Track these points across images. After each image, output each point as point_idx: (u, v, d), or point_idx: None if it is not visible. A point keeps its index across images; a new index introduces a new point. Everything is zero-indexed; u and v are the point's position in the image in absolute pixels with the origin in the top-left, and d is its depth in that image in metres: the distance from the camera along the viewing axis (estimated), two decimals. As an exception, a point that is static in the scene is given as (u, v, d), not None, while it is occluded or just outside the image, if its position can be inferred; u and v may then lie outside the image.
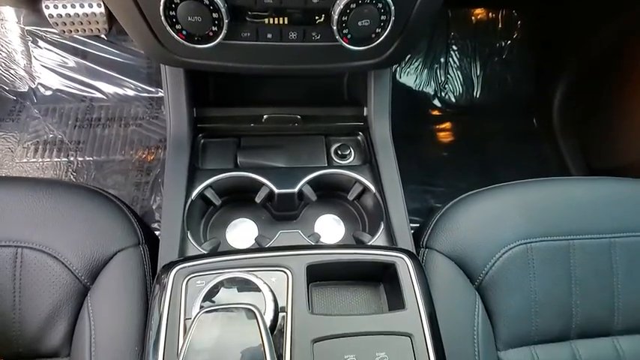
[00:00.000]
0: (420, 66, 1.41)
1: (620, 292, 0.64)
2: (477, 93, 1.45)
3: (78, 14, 1.15)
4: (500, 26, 1.43)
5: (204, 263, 0.51)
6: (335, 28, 0.53)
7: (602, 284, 0.64)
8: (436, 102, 1.43)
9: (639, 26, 1.10)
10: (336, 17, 0.51)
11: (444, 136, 1.40)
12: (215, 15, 0.50)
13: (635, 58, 1.11)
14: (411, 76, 1.41)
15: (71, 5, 1.13)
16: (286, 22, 0.53)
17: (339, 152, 0.72)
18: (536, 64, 1.44)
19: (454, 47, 1.42)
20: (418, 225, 0.73)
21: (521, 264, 0.63)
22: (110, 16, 1.19)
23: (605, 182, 0.74)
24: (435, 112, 1.42)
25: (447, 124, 1.41)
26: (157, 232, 0.67)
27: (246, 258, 0.52)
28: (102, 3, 1.15)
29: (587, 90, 1.28)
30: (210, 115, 0.74)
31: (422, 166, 1.29)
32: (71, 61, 1.34)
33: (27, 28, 1.31)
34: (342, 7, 0.50)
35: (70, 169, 1.27)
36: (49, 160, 1.29)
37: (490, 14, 1.43)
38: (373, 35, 0.55)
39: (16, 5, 1.28)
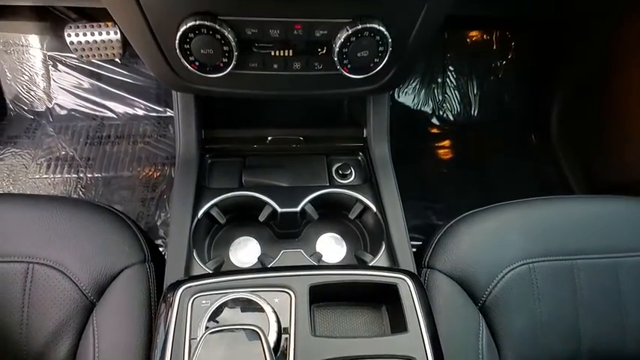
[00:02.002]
0: (417, 86, 1.46)
1: (630, 312, 0.63)
2: (474, 111, 1.49)
3: (96, 41, 1.22)
4: (495, 47, 1.49)
5: (210, 283, 0.53)
6: (336, 58, 0.57)
7: (610, 304, 0.63)
8: (434, 120, 1.47)
9: (635, 40, 1.11)
10: (337, 49, 0.56)
11: (444, 154, 1.44)
12: (226, 48, 0.54)
13: (631, 73, 1.12)
14: (409, 96, 1.46)
15: (90, 33, 1.21)
16: (291, 53, 0.58)
17: (340, 172, 0.76)
18: (531, 81, 1.48)
19: (451, 67, 1.47)
20: (419, 243, 0.74)
21: (524, 284, 0.62)
22: (125, 42, 1.26)
23: (607, 201, 0.73)
24: (434, 130, 1.46)
25: (446, 142, 1.45)
26: (161, 249, 0.70)
27: (250, 278, 0.54)
28: (118, 30, 1.22)
29: (585, 106, 1.30)
30: (218, 136, 0.78)
31: (422, 183, 1.33)
32: (86, 82, 1.41)
33: (49, 53, 1.39)
34: (342, 40, 0.55)
35: (79, 185, 1.32)
36: (59, 176, 1.34)
37: (485, 36, 1.48)
38: (371, 64, 0.59)
39: (42, 33, 1.36)
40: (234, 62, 0.56)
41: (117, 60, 1.40)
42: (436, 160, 1.42)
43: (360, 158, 0.79)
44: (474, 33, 1.47)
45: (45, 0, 0.89)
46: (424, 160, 1.40)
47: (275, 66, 0.59)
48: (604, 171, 1.24)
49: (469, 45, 1.48)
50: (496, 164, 1.42)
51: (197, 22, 0.52)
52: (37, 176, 1.33)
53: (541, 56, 1.44)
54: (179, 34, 0.53)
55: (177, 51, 0.55)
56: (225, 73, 0.57)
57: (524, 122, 1.48)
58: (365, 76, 0.60)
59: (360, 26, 0.54)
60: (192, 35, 0.53)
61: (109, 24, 1.23)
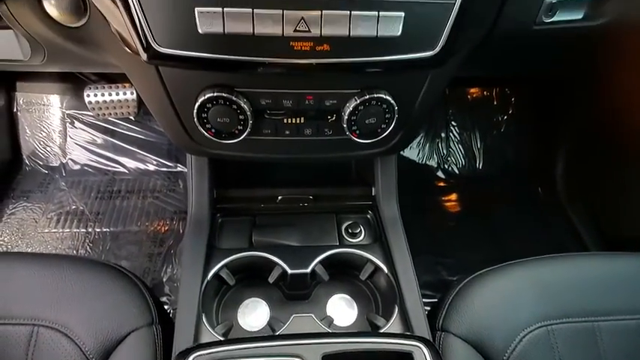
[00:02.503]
0: (422, 140, 1.49)
1: (661, 378, 0.59)
2: (479, 164, 1.52)
3: (113, 100, 1.28)
4: (495, 103, 1.54)
5: (220, 351, 0.52)
6: (345, 125, 0.60)
7: (638, 370, 0.60)
8: (440, 174, 1.49)
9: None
10: (346, 117, 0.59)
11: (451, 207, 1.44)
12: (241, 117, 0.57)
13: (634, 123, 1.12)
14: (414, 150, 1.49)
15: (108, 93, 1.27)
16: (302, 120, 0.61)
17: (350, 230, 0.76)
18: (533, 136, 1.51)
19: (453, 123, 1.52)
20: (432, 301, 0.72)
21: (544, 348, 0.60)
22: (140, 101, 1.33)
23: (626, 258, 0.71)
24: (440, 184, 1.48)
25: (453, 196, 1.46)
26: (166, 306, 0.68)
27: (261, 347, 0.53)
28: (134, 91, 1.29)
29: (590, 157, 1.31)
30: (229, 195, 0.79)
31: (431, 238, 1.31)
32: (100, 138, 1.46)
33: (67, 111, 1.46)
34: (351, 109, 0.58)
35: (87, 240, 1.32)
36: (68, 230, 1.34)
37: (485, 92, 1.54)
38: (379, 130, 0.61)
39: (63, 93, 1.44)
40: (248, 129, 0.58)
41: (131, 117, 1.46)
42: (444, 213, 1.42)
43: (369, 217, 0.80)
44: (474, 90, 1.53)
45: (71, 67, 0.95)
46: (432, 213, 1.40)
47: (287, 132, 0.62)
48: (616, 225, 1.23)
49: (470, 101, 1.53)
50: (504, 217, 1.41)
51: (215, 94, 0.55)
52: (47, 230, 1.34)
53: (541, 111, 1.48)
54: (197, 104, 0.56)
55: (195, 120, 0.57)
56: (239, 139, 0.59)
57: (530, 175, 1.49)
58: (373, 140, 0.62)
59: (367, 96, 0.57)
60: (209, 105, 0.56)
61: (127, 85, 1.30)
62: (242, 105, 0.56)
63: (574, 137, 1.37)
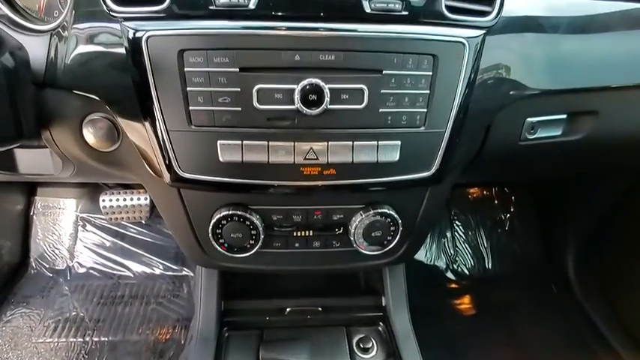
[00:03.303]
0: (428, 241, 1.50)
1: None
2: (488, 264, 1.50)
3: (127, 205, 1.34)
4: (496, 202, 1.59)
5: None
6: (352, 238, 0.62)
7: None
8: (450, 275, 1.47)
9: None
10: (353, 230, 0.62)
11: (464, 309, 1.38)
12: (253, 232, 0.60)
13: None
14: (421, 251, 1.49)
15: (123, 199, 1.33)
16: (311, 233, 0.64)
17: (361, 345, 0.73)
18: (540, 231, 1.52)
19: (457, 222, 1.54)
20: None
21: None
22: (152, 206, 1.38)
23: None
24: (452, 285, 1.44)
25: (465, 297, 1.41)
26: None
27: None
28: (148, 196, 1.35)
29: (602, 251, 1.29)
30: (237, 308, 0.78)
31: (445, 342, 1.24)
32: (110, 241, 1.49)
33: (80, 215, 1.51)
34: (357, 222, 0.61)
35: (83, 351, 1.25)
36: (64, 340, 1.28)
37: (485, 192, 1.60)
38: (385, 242, 0.64)
39: (79, 197, 1.51)
40: (260, 243, 0.61)
41: (142, 221, 1.50)
42: (457, 316, 1.35)
43: (380, 329, 0.77)
44: (474, 190, 1.59)
45: (95, 179, 1.02)
46: (445, 317, 1.34)
47: (297, 245, 0.64)
48: (634, 317, 1.17)
49: (471, 200, 1.58)
50: (521, 316, 1.35)
51: (230, 212, 0.59)
52: (41, 340, 1.28)
53: (543, 208, 1.51)
54: (213, 221, 0.59)
55: (210, 235, 0.60)
56: (251, 253, 0.62)
57: (542, 272, 1.46)
58: (380, 252, 0.64)
59: (372, 211, 0.61)
60: (224, 222, 0.60)
61: (141, 191, 1.37)
62: (254, 221, 0.59)
63: (582, 232, 1.37)
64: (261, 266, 0.67)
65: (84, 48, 0.55)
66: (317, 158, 0.54)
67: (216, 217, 0.59)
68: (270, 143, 0.53)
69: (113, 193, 1.34)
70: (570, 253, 1.41)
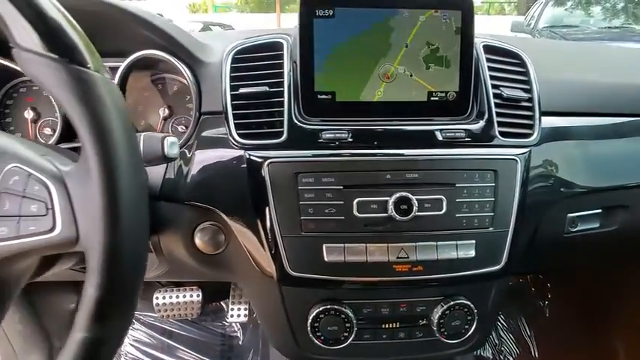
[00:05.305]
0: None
1: None
2: (535, 353, 1.47)
3: (179, 302, 1.40)
4: (532, 289, 1.62)
5: None
6: (435, 328, 0.69)
7: None
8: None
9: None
10: (435, 321, 0.69)
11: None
12: (347, 325, 0.67)
13: None
14: None
15: (176, 296, 1.40)
16: (397, 325, 0.71)
17: None
18: (582, 319, 1.51)
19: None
20: None
21: None
22: (204, 303, 1.43)
23: None
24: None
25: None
26: None
27: None
28: (200, 293, 1.41)
29: None
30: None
31: None
32: (157, 340, 1.50)
33: (129, 313, 1.55)
34: (439, 313, 0.69)
35: None
36: None
37: (520, 279, 1.64)
38: (463, 330, 0.71)
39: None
40: (353, 335, 0.68)
41: (188, 318, 1.53)
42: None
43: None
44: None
45: (180, 278, 1.07)
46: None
47: (384, 336, 0.71)
48: None
49: (509, 290, 1.61)
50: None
51: (328, 306, 0.67)
52: None
53: (583, 297, 1.52)
54: (312, 315, 0.67)
55: (308, 328, 0.68)
56: (344, 345, 0.68)
57: (590, 354, 1.42)
58: (459, 340, 0.71)
59: (451, 302, 0.69)
60: (322, 316, 0.67)
61: (193, 287, 1.43)
62: (349, 314, 0.67)
63: (631, 321, 1.37)
64: (351, 357, 0.72)
65: (206, 168, 0.68)
66: (407, 257, 0.64)
67: (315, 311, 0.67)
68: (368, 245, 0.64)
69: (167, 291, 1.41)
70: (620, 344, 1.39)
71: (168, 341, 1.49)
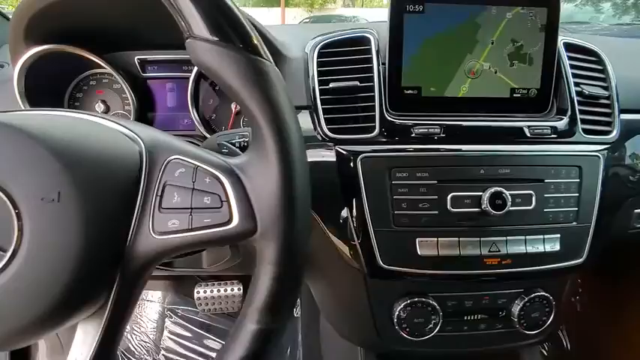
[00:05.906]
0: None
1: None
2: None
3: (220, 296, 1.40)
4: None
5: None
6: (515, 319, 0.71)
7: None
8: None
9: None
10: (516, 312, 0.71)
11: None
12: (434, 317, 0.69)
13: None
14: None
15: (217, 290, 1.41)
16: (479, 317, 0.73)
17: None
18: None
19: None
20: None
21: None
22: (244, 297, 1.44)
23: None
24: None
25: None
26: None
27: None
28: (241, 286, 1.42)
29: None
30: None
31: None
32: (196, 333, 1.51)
33: (167, 306, 1.56)
34: (520, 305, 0.71)
35: None
36: None
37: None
38: (540, 322, 0.73)
39: (165, 289, 1.57)
40: (438, 327, 0.69)
41: (225, 312, 1.55)
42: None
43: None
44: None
45: (245, 271, 1.05)
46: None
47: (466, 328, 0.72)
48: None
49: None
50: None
51: (416, 299, 0.68)
52: None
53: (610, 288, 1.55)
54: (400, 307, 0.69)
55: (395, 320, 0.69)
56: (429, 336, 0.70)
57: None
58: (537, 331, 0.73)
59: (532, 295, 0.71)
60: (409, 308, 0.69)
61: (234, 281, 1.44)
62: (436, 307, 0.69)
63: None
64: (431, 349, 0.73)
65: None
66: (498, 250, 0.65)
67: (402, 303, 0.69)
68: (461, 239, 0.65)
69: (207, 285, 1.42)
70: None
71: (207, 334, 1.50)
